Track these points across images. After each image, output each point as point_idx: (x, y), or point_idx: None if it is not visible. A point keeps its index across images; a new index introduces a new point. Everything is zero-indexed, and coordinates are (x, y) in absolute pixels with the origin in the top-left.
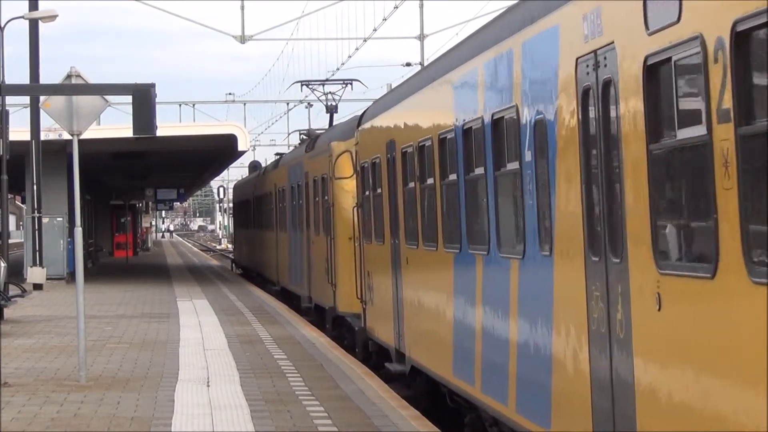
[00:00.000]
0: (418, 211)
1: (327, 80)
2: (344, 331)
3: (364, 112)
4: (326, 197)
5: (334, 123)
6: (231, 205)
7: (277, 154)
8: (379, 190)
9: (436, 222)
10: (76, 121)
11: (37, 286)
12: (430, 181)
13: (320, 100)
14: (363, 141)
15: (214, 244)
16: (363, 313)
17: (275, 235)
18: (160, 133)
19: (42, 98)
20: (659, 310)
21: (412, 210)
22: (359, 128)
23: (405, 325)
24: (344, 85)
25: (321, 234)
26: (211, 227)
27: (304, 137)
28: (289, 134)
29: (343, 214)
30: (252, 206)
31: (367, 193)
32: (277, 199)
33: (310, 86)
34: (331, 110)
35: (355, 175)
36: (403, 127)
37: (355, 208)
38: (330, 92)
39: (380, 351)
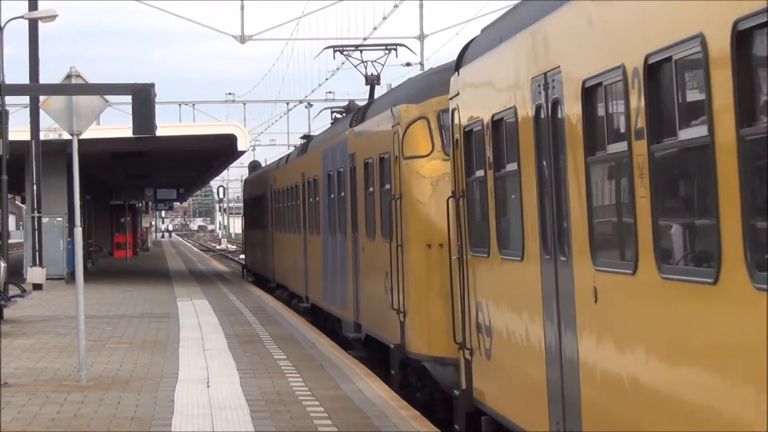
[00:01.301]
0: (635, 204)
1: (365, 45)
2: (415, 379)
3: (470, 43)
4: (387, 186)
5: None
6: (230, 205)
7: (303, 136)
8: (510, 167)
9: (718, 222)
10: (75, 120)
11: (37, 286)
12: (697, 132)
13: (357, 69)
14: (471, 89)
15: (213, 244)
16: (465, 366)
17: (303, 239)
18: (159, 133)
19: (42, 98)
20: None
21: (610, 200)
22: (460, 70)
23: (584, 409)
24: (387, 51)
25: (378, 238)
26: (210, 227)
27: (338, 116)
28: (287, 133)
29: (418, 209)
30: (269, 203)
31: (479, 173)
32: (306, 192)
33: (344, 52)
34: (373, 81)
35: (435, 151)
36: (582, 42)
37: (451, 200)
38: (369, 60)
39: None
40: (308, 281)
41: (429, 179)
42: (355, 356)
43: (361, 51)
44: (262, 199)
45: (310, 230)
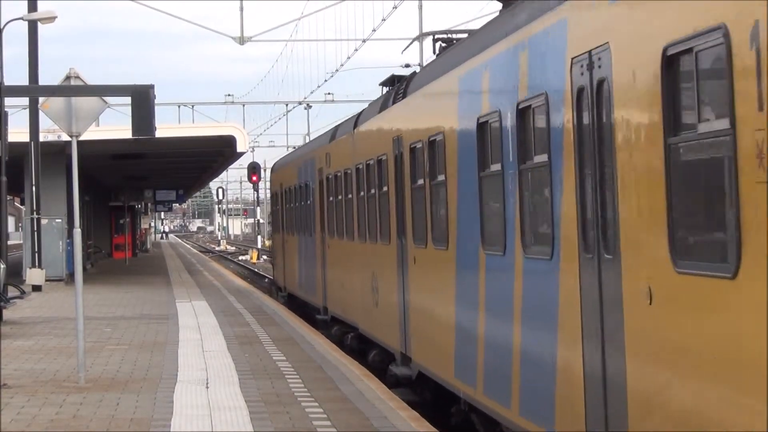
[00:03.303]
0: None
1: None
2: None
3: None
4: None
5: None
6: (229, 206)
7: (387, 80)
8: None
9: None
10: (75, 122)
11: (36, 288)
12: None
13: None
14: None
15: (213, 246)
16: None
17: (398, 254)
18: (159, 134)
19: (41, 99)
20: None
21: None
22: None
23: None
24: None
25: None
26: (210, 228)
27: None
28: (286, 134)
29: None
30: (318, 196)
31: None
32: (408, 169)
33: None
34: None
35: None
36: None
37: None
38: None
39: None
40: (410, 330)
41: None
42: None
43: None
44: (304, 190)
45: (416, 239)
